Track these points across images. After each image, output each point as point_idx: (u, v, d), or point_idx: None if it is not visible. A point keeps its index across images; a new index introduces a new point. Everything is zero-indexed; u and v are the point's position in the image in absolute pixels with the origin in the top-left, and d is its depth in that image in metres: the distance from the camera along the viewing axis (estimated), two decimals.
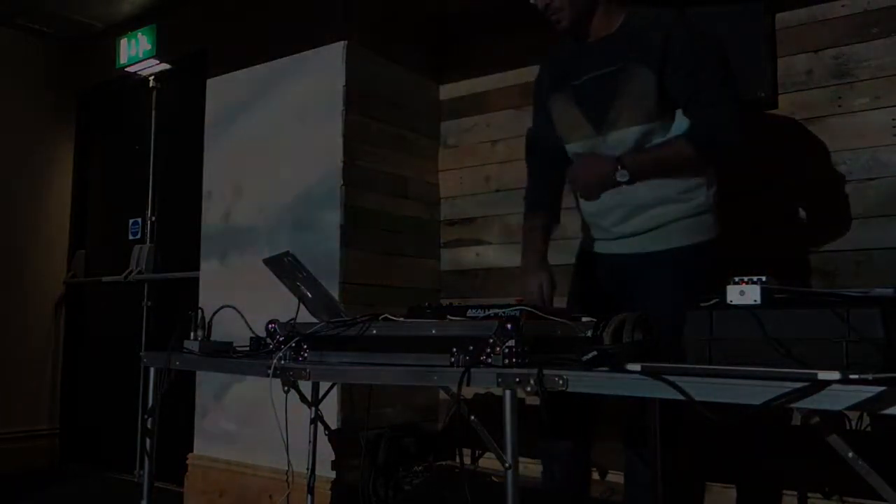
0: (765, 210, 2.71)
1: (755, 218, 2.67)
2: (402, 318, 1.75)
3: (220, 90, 3.70)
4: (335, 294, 2.96)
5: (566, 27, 2.10)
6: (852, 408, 1.09)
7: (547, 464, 2.24)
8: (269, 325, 2.00)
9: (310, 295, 2.00)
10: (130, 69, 4.36)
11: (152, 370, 2.23)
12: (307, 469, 2.50)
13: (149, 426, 2.21)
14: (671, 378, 1.23)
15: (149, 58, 4.26)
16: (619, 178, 1.93)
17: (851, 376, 1.09)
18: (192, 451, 3.58)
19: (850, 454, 1.16)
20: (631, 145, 2.03)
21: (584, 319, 1.63)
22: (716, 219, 2.09)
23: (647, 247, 2.08)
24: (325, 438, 2.61)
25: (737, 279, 1.32)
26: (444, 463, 3.04)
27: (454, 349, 1.57)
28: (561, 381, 1.38)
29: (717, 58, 2.02)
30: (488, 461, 2.95)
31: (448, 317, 1.69)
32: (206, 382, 3.53)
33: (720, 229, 2.09)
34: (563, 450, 2.20)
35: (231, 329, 2.16)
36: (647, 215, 2.07)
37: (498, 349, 1.50)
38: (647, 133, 2.02)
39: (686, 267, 2.02)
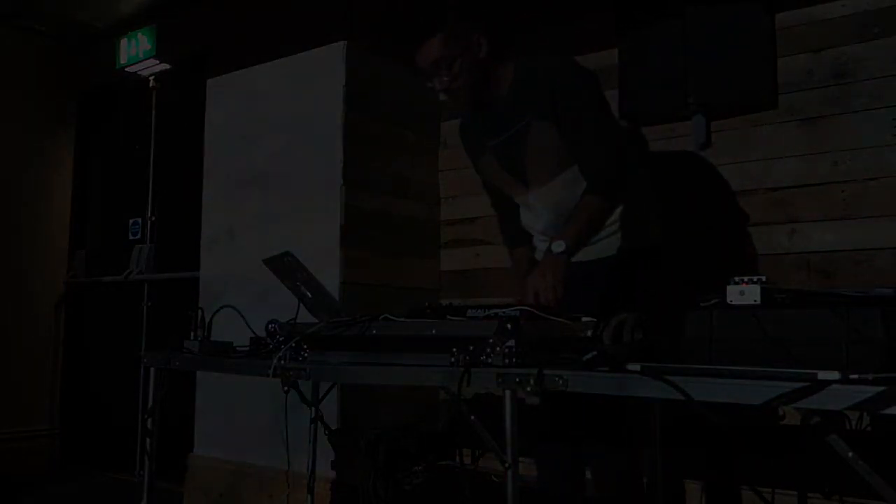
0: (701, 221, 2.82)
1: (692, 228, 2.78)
2: (402, 318, 1.75)
3: (221, 90, 3.70)
4: (335, 294, 2.96)
5: (467, 103, 2.15)
6: (852, 408, 1.09)
7: (540, 466, 2.27)
8: (269, 325, 2.00)
9: (310, 295, 2.00)
10: (130, 69, 4.36)
11: (152, 370, 2.23)
12: (307, 469, 2.49)
13: (149, 426, 2.21)
14: (671, 378, 1.23)
15: (149, 58, 4.26)
16: (554, 249, 1.92)
17: (851, 376, 1.09)
18: (192, 451, 3.58)
19: (850, 454, 1.16)
20: (559, 195, 2.12)
21: (584, 319, 1.63)
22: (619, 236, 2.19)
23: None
24: (325, 438, 2.61)
25: (737, 279, 1.32)
26: (444, 463, 3.03)
27: (454, 349, 1.56)
28: (561, 381, 1.38)
29: (597, 98, 2.11)
30: (488, 461, 2.95)
31: (448, 317, 1.69)
32: (206, 382, 3.53)
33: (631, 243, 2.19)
34: (556, 451, 2.23)
35: (231, 329, 2.17)
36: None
37: (498, 349, 1.49)
38: (570, 179, 2.11)
39: (602, 275, 2.12)
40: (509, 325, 1.50)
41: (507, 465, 1.42)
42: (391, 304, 1.88)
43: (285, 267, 1.99)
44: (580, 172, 2.08)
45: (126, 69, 4.36)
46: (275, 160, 3.41)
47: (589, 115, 2.06)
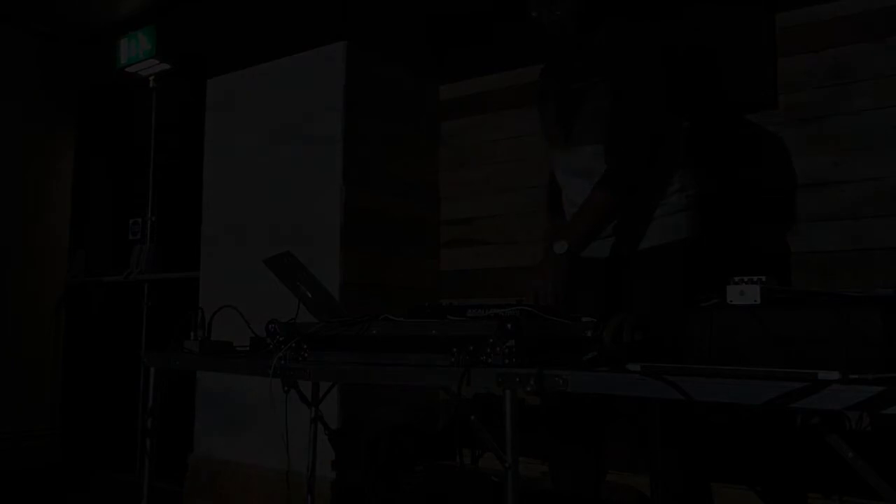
0: (752, 210, 2.74)
1: (743, 218, 2.71)
2: (402, 318, 1.75)
3: (221, 90, 3.70)
4: (335, 294, 2.96)
5: (571, 31, 2.14)
6: (852, 408, 1.09)
7: (556, 469, 2.26)
8: (269, 325, 1.99)
9: (310, 295, 2.00)
10: (130, 69, 4.36)
11: (152, 370, 2.23)
12: (307, 469, 2.49)
13: (149, 426, 2.21)
14: (671, 378, 1.23)
15: (149, 58, 4.27)
16: (557, 250, 1.93)
17: (851, 376, 1.09)
18: (192, 451, 3.58)
19: (850, 454, 1.16)
20: (588, 160, 2.10)
21: (584, 319, 1.63)
22: (692, 219, 2.15)
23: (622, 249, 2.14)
24: (325, 438, 2.61)
25: (737, 279, 1.32)
26: (444, 463, 3.04)
27: (454, 349, 1.56)
28: (561, 381, 1.38)
29: (662, 83, 2.09)
30: (488, 461, 2.95)
31: (448, 317, 1.69)
32: (206, 382, 3.53)
33: (698, 229, 2.16)
34: (574, 455, 2.22)
35: (231, 329, 2.16)
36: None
37: (498, 349, 1.49)
38: (602, 153, 2.09)
39: (663, 265, 2.09)
40: (509, 325, 1.50)
41: (507, 465, 1.42)
42: (391, 304, 1.88)
43: (285, 267, 1.99)
44: (604, 153, 2.09)
45: (126, 69, 4.37)
46: (274, 160, 3.41)
47: (640, 104, 2.05)
